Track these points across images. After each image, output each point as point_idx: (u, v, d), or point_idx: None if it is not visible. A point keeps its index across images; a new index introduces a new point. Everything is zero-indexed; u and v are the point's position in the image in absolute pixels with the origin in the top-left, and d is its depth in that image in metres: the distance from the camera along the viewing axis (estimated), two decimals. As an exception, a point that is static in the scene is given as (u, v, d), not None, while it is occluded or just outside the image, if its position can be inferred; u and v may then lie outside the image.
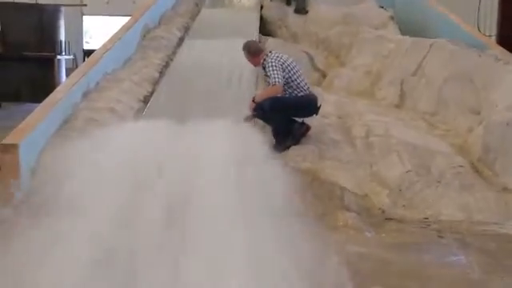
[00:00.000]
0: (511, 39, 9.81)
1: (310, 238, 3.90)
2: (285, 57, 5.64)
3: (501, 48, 7.08)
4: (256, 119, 5.53)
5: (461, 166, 5.17)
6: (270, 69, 5.46)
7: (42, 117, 5.02)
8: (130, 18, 8.52)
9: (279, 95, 5.41)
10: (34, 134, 4.80)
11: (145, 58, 7.35)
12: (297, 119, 5.60)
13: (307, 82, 5.73)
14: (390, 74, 7.25)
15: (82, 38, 17.82)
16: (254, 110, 5.46)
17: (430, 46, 7.03)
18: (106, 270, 3.56)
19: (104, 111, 5.61)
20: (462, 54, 6.67)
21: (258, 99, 5.44)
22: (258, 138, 4.83)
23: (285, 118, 5.45)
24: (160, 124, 4.82)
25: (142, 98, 6.29)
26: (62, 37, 14.19)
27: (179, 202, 3.92)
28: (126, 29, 7.71)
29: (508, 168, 5.15)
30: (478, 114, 6.12)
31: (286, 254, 3.71)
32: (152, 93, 6.56)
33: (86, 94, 5.96)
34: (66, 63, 14.51)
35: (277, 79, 5.41)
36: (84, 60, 15.90)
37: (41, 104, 5.32)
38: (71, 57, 14.80)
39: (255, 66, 5.87)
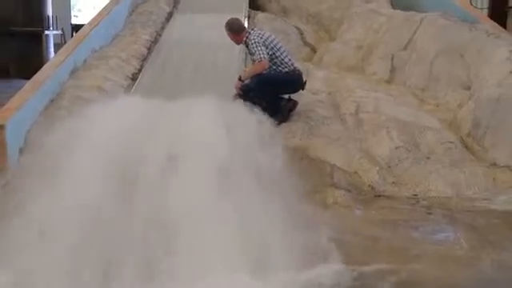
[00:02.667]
0: (503, 12, 9.80)
1: (299, 215, 3.92)
2: (267, 34, 5.65)
3: (492, 22, 7.03)
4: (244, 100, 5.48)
5: (450, 142, 5.17)
6: (254, 45, 5.44)
7: (28, 96, 4.97)
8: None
9: (264, 72, 5.37)
10: (20, 113, 4.76)
11: (133, 34, 7.27)
12: (284, 96, 5.56)
13: (291, 57, 5.70)
14: (381, 49, 7.21)
15: (70, 13, 17.59)
16: (241, 89, 5.44)
17: (421, 20, 6.97)
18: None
19: (91, 89, 5.57)
20: (453, 29, 6.63)
21: (244, 77, 5.41)
22: (247, 115, 4.81)
23: (272, 95, 5.41)
24: (147, 102, 4.78)
25: (130, 75, 6.25)
26: (50, 12, 14.00)
27: (168, 175, 3.92)
28: (113, 4, 7.61)
29: (497, 143, 5.14)
30: (469, 89, 6.10)
31: (274, 230, 3.74)
32: (140, 70, 6.50)
33: (73, 72, 5.89)
34: (54, 38, 14.35)
35: (262, 55, 5.40)
36: (72, 35, 15.75)
37: (27, 83, 5.26)
38: (59, 32, 14.64)
39: (237, 43, 5.85)
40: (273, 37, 5.62)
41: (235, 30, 5.69)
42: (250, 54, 5.61)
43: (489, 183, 4.79)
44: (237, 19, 6.09)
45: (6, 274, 3.39)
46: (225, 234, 3.64)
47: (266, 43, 5.47)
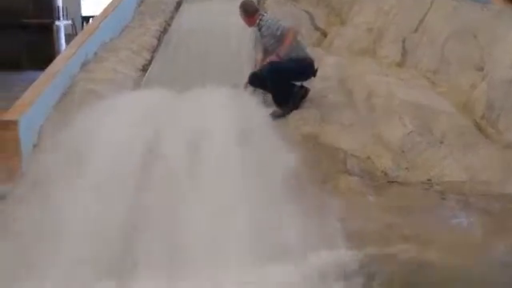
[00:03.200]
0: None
1: (313, 202, 3.94)
2: (278, 18, 5.57)
3: (504, 1, 6.92)
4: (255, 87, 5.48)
5: (464, 126, 5.12)
6: (273, 22, 5.44)
7: (40, 91, 5.00)
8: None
9: (278, 60, 5.33)
10: (33, 109, 4.79)
11: (142, 25, 7.27)
12: (295, 83, 5.54)
13: (303, 43, 5.65)
14: (392, 32, 7.14)
15: (80, 3, 17.59)
16: (254, 76, 5.44)
17: (432, 1, 6.89)
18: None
19: (103, 82, 5.58)
20: (464, 9, 6.54)
21: (282, 53, 5.33)
22: (258, 104, 4.82)
23: (284, 82, 5.39)
24: (159, 93, 4.80)
25: (140, 66, 6.25)
26: (60, 2, 14.03)
27: (182, 167, 3.96)
28: (122, -5, 7.60)
29: (511, 125, 5.08)
30: (482, 70, 6.02)
31: (288, 218, 3.76)
32: (151, 61, 6.51)
33: (84, 65, 5.91)
34: (64, 29, 14.39)
35: (286, 25, 5.40)
36: (83, 25, 15.79)
37: (39, 77, 5.29)
38: (70, 22, 14.67)
39: (250, 26, 5.78)
40: (285, 22, 5.57)
41: (249, 11, 5.64)
42: (263, 37, 5.55)
43: (503, 167, 4.73)
44: (251, 1, 6.06)
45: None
46: (236, 221, 3.67)
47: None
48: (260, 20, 5.53)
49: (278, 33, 5.38)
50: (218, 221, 3.65)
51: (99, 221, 3.70)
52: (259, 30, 5.59)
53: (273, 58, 5.35)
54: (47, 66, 5.76)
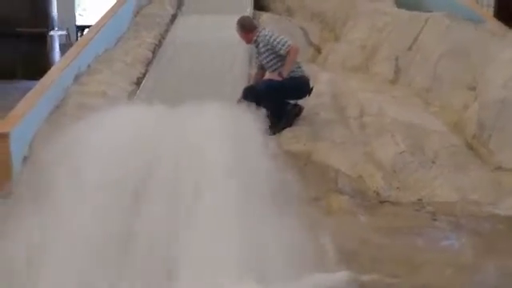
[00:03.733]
0: (509, 9, 9.70)
1: (303, 222, 3.93)
2: (277, 34, 5.57)
3: (498, 22, 6.98)
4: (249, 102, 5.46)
5: (455, 146, 5.14)
6: (273, 38, 5.39)
7: (32, 104, 4.98)
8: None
9: (274, 78, 5.33)
10: (24, 121, 4.77)
11: (137, 37, 7.26)
12: (289, 101, 5.55)
13: (299, 61, 5.65)
14: (386, 49, 7.17)
15: (75, 13, 17.58)
16: (248, 92, 5.44)
17: (426, 20, 6.93)
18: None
19: (96, 95, 5.57)
20: (458, 28, 6.59)
21: (285, 72, 5.32)
22: (251, 120, 4.81)
23: (279, 100, 5.39)
24: (152, 108, 4.80)
25: (134, 79, 6.23)
26: (55, 12, 14.00)
27: (174, 183, 3.95)
28: (117, 7, 7.60)
29: (502, 146, 5.11)
30: (474, 89, 6.06)
31: (278, 237, 3.75)
32: (145, 74, 6.50)
33: (77, 77, 5.90)
34: (59, 39, 14.34)
35: (288, 41, 5.37)
36: (77, 35, 15.77)
37: (31, 90, 5.27)
38: (64, 32, 14.63)
39: (248, 43, 5.76)
40: (286, 38, 5.54)
41: (247, 27, 5.62)
42: (259, 54, 5.55)
43: (494, 187, 4.76)
44: (248, 17, 6.07)
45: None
46: (229, 241, 3.66)
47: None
48: (257, 36, 5.53)
49: (280, 50, 5.35)
50: (207, 239, 3.63)
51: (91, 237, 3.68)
52: (256, 46, 5.58)
53: (275, 76, 5.35)
54: (41, 75, 5.75)
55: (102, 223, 3.75)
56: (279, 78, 5.29)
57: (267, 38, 5.43)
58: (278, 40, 5.37)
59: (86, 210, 3.83)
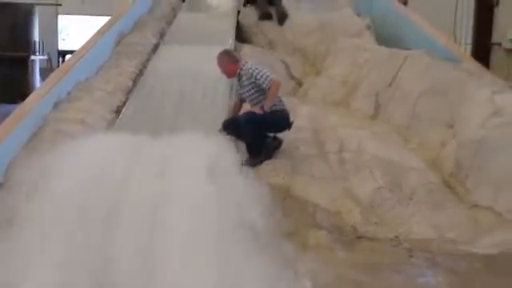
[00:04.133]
0: (486, 48, 9.93)
1: (279, 258, 3.91)
2: (260, 68, 5.60)
3: (475, 62, 7.13)
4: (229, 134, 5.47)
5: (433, 183, 5.18)
6: (256, 71, 5.42)
7: (9, 130, 4.92)
8: (105, 20, 8.44)
9: (256, 111, 5.35)
10: (1, 148, 4.71)
11: (118, 66, 7.24)
12: (269, 134, 5.56)
13: (280, 94, 5.69)
14: (366, 85, 7.25)
15: (57, 38, 17.59)
16: (228, 124, 5.46)
17: (405, 57, 7.04)
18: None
19: (74, 123, 5.53)
20: (436, 67, 6.69)
21: (267, 106, 5.34)
22: (230, 152, 4.82)
23: (259, 132, 5.41)
24: (130, 137, 4.78)
25: (114, 108, 6.20)
26: (36, 37, 14.00)
27: (149, 215, 3.92)
28: (99, 35, 7.61)
29: (479, 185, 5.15)
30: (452, 127, 6.14)
31: (254, 272, 3.72)
32: (125, 102, 6.47)
33: (56, 105, 5.86)
34: (40, 63, 14.32)
35: (271, 76, 5.41)
36: (58, 60, 15.76)
37: (9, 116, 5.22)
38: (45, 57, 14.62)
39: (230, 76, 5.76)
40: (268, 72, 5.58)
41: (233, 58, 5.66)
42: (241, 87, 5.56)
43: (471, 225, 4.79)
44: (232, 50, 6.10)
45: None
46: (203, 276, 3.62)
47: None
48: (241, 70, 5.55)
49: (263, 84, 5.38)
50: (183, 274, 3.59)
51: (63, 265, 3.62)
52: (239, 79, 5.60)
53: (256, 109, 5.37)
54: (21, 99, 5.71)
55: (75, 250, 3.71)
56: (261, 112, 5.31)
57: (250, 71, 5.46)
58: (261, 74, 5.41)
59: (60, 236, 3.79)
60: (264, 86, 5.38)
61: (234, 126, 5.48)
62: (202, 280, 3.62)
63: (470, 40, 10.83)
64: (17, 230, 3.95)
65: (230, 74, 5.69)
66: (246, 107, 5.66)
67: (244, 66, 5.57)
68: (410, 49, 7.53)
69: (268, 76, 5.41)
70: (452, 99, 6.28)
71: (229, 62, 5.62)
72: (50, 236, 3.83)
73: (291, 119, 5.57)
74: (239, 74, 5.57)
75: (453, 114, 6.18)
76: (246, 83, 5.52)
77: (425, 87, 6.53)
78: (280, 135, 5.60)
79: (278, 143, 5.54)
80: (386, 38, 8.64)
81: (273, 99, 5.38)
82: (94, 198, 4.00)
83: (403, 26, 8.83)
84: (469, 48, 10.50)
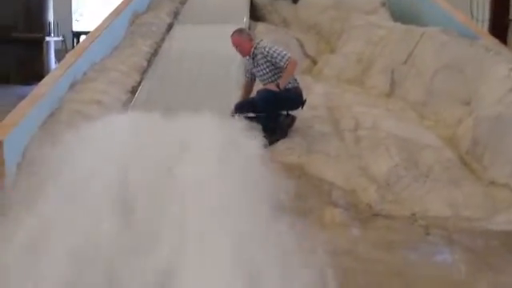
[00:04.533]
0: (504, 25, 9.76)
1: (296, 235, 3.91)
2: (276, 46, 5.58)
3: (492, 38, 7.03)
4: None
5: (449, 160, 5.15)
6: (272, 50, 5.40)
7: (26, 111, 4.96)
8: (119, 0, 8.43)
9: (272, 88, 5.34)
10: (18, 129, 4.75)
11: (133, 46, 7.25)
12: (282, 112, 5.55)
13: (295, 73, 5.65)
14: (381, 63, 7.21)
15: (71, 19, 17.59)
16: (243, 104, 5.46)
17: (421, 35, 6.97)
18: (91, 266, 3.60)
19: (90, 103, 5.56)
20: (453, 44, 6.61)
21: (282, 85, 5.33)
22: (246, 131, 4.82)
23: (274, 110, 5.40)
24: (146, 117, 4.79)
25: (129, 88, 6.22)
26: (51, 18, 14.01)
27: (165, 194, 3.93)
28: (114, 15, 7.61)
29: (496, 162, 5.11)
30: (469, 104, 6.10)
31: (270, 251, 3.73)
32: (140, 82, 6.49)
33: (72, 85, 5.89)
34: (55, 45, 14.36)
35: (288, 54, 5.40)
36: (73, 41, 15.78)
37: (26, 97, 5.26)
38: (60, 38, 14.64)
39: (245, 54, 5.68)
40: (285, 50, 5.56)
41: (248, 36, 5.64)
42: (255, 66, 5.53)
43: (487, 203, 4.76)
44: (245, 29, 6.07)
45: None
46: (219, 257, 3.63)
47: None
48: (255, 48, 5.53)
49: (280, 62, 5.36)
50: (197, 252, 3.60)
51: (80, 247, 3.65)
52: (253, 57, 5.57)
53: (272, 86, 5.36)
54: (36, 81, 5.74)
55: (92, 234, 3.73)
56: (276, 89, 5.30)
57: (267, 49, 5.43)
58: (277, 52, 5.39)
59: (79, 218, 3.80)
60: (282, 64, 5.36)
61: (246, 108, 5.48)
62: (218, 255, 3.62)
63: (487, 16, 10.65)
64: (37, 210, 3.98)
65: (245, 52, 5.64)
66: (258, 87, 5.64)
67: (258, 44, 5.54)
68: (426, 26, 7.45)
69: (285, 54, 5.39)
70: (469, 76, 6.22)
71: (245, 40, 5.59)
72: (69, 217, 3.85)
73: (304, 97, 5.55)
74: (253, 52, 5.54)
75: (469, 91, 6.13)
76: (261, 62, 5.49)
77: (441, 64, 6.47)
78: (294, 113, 5.58)
79: (291, 120, 5.53)
80: (402, 14, 8.54)
81: (288, 77, 5.38)
82: (111, 178, 4.01)
83: (419, 2, 8.71)
84: (486, 24, 10.33)
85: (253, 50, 5.54)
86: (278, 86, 5.32)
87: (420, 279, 3.68)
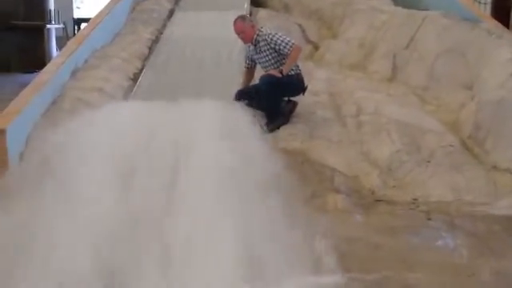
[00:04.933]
0: (506, 8, 9.70)
1: (298, 221, 3.93)
2: (279, 33, 5.57)
3: (494, 21, 6.99)
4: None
5: (451, 145, 5.15)
6: (276, 37, 5.40)
7: (28, 100, 4.97)
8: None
9: (275, 74, 5.33)
10: (21, 117, 4.76)
11: (134, 32, 7.24)
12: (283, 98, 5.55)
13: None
14: (383, 47, 7.18)
15: (72, 6, 17.53)
16: (247, 90, 5.46)
17: (423, 18, 6.94)
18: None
19: (92, 91, 5.56)
20: (455, 28, 6.59)
21: (285, 71, 5.34)
22: (249, 117, 4.82)
23: (275, 97, 5.40)
24: (149, 104, 4.80)
25: (131, 75, 6.22)
26: (52, 5, 13.97)
27: (168, 179, 3.94)
28: (114, 2, 7.59)
29: (498, 146, 5.12)
30: (471, 89, 6.08)
31: (273, 237, 3.75)
32: (141, 69, 6.48)
33: (74, 73, 5.89)
34: (56, 32, 14.33)
35: (292, 40, 5.40)
36: (74, 28, 15.74)
37: (28, 85, 5.26)
38: (61, 26, 14.60)
39: (247, 41, 5.64)
40: (288, 37, 5.56)
41: (251, 23, 5.61)
42: (260, 51, 5.50)
43: (489, 187, 4.78)
44: (247, 15, 6.05)
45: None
46: (222, 240, 3.65)
47: None
48: (258, 35, 5.51)
49: (284, 49, 5.36)
50: (199, 236, 3.62)
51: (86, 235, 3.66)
52: (255, 44, 5.54)
53: (275, 72, 5.35)
54: (38, 68, 5.73)
55: (98, 222, 3.74)
56: (279, 75, 5.30)
57: (270, 36, 5.42)
58: (281, 39, 5.39)
59: (82, 206, 3.82)
60: (286, 51, 5.36)
61: (248, 94, 5.48)
62: (222, 238, 3.64)
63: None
64: (40, 198, 3.99)
65: (248, 39, 5.60)
66: (259, 74, 5.63)
67: (261, 31, 5.52)
68: (427, 9, 7.41)
69: (289, 41, 5.39)
70: (471, 60, 6.20)
71: (247, 27, 5.56)
72: (73, 205, 3.86)
73: (306, 83, 5.54)
74: (256, 39, 5.52)
75: (472, 75, 6.11)
76: (264, 49, 5.48)
77: (443, 48, 6.46)
78: (295, 99, 5.58)
79: (292, 106, 5.54)
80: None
81: (292, 64, 5.38)
82: (112, 165, 4.02)
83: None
84: (488, 7, 10.27)
85: (255, 36, 5.52)
86: (281, 72, 5.31)
87: (422, 264, 3.69)
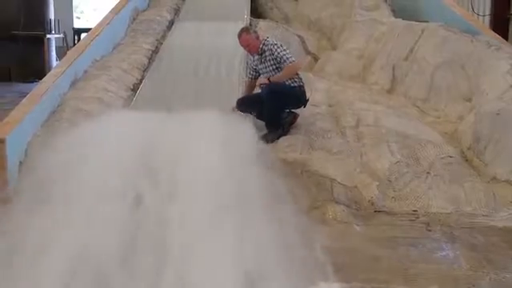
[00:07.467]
0: (505, 19, 9.76)
1: (297, 231, 3.92)
2: (284, 46, 5.59)
3: (493, 33, 7.03)
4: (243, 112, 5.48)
5: (451, 157, 5.15)
6: (280, 49, 5.42)
7: (28, 109, 4.97)
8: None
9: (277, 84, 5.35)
10: (20, 127, 4.76)
11: (134, 43, 7.26)
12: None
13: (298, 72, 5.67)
14: (382, 59, 7.21)
15: (72, 16, 17.61)
16: (250, 100, 5.47)
17: (422, 30, 6.97)
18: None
19: (92, 101, 5.57)
20: (454, 40, 6.62)
21: (274, 79, 5.37)
22: (248, 128, 4.82)
23: (277, 108, 5.41)
24: (148, 115, 4.79)
25: (131, 86, 6.24)
26: (52, 15, 14.02)
27: (166, 192, 3.93)
28: (114, 12, 7.61)
29: (497, 158, 5.12)
30: (470, 100, 6.10)
31: (271, 248, 3.73)
32: (141, 80, 6.50)
33: (73, 83, 5.90)
34: (56, 42, 14.37)
35: (292, 57, 5.43)
36: (74, 38, 15.78)
37: (28, 95, 5.27)
38: (61, 35, 14.65)
39: (253, 51, 5.65)
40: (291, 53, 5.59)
41: (255, 34, 5.64)
42: (264, 62, 5.52)
43: (489, 199, 4.77)
44: (251, 27, 6.07)
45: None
46: (220, 250, 3.63)
47: None
48: (264, 45, 5.53)
49: (284, 63, 5.40)
50: (197, 246, 3.61)
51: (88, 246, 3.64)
52: (261, 54, 5.55)
53: (263, 80, 5.40)
54: (37, 78, 5.74)
55: (100, 232, 3.72)
56: (266, 82, 5.32)
57: (275, 47, 5.45)
58: (284, 53, 5.42)
59: (83, 216, 3.80)
60: (284, 65, 5.39)
61: (248, 104, 5.49)
62: (220, 246, 3.62)
63: (488, 11, 10.65)
64: (40, 209, 3.97)
65: (254, 50, 5.61)
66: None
67: (267, 40, 5.55)
68: (427, 21, 7.45)
69: (290, 57, 5.43)
70: (470, 72, 6.22)
71: (253, 39, 5.59)
72: (73, 215, 3.84)
73: (307, 96, 5.56)
74: (262, 48, 5.53)
75: (471, 87, 6.13)
76: (268, 58, 5.50)
77: (442, 60, 6.48)
78: (295, 110, 5.59)
79: (293, 118, 5.55)
80: (403, 10, 8.53)
81: (282, 78, 5.40)
82: (114, 176, 4.01)
83: (420, -1, 8.72)
84: (487, 19, 10.33)
85: (261, 46, 5.54)
86: (268, 79, 5.34)
87: (422, 275, 3.68)
